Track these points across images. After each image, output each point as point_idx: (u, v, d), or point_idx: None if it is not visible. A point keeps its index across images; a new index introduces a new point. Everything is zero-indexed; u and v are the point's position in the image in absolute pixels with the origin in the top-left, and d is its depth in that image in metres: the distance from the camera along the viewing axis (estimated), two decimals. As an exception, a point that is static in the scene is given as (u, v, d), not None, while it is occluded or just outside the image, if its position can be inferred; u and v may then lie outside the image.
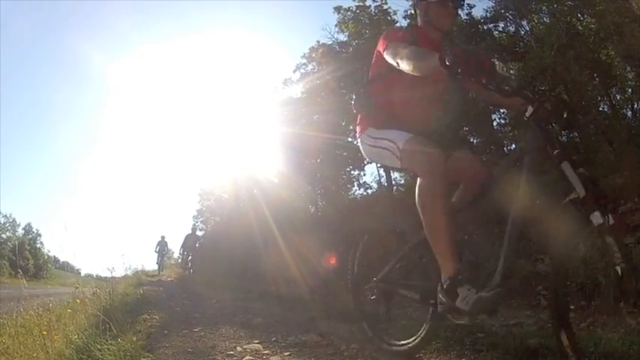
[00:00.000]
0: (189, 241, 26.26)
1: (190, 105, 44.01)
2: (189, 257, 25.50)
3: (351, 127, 18.26)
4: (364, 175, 19.31)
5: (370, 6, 18.25)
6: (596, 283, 5.93)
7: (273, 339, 5.01)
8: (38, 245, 73.62)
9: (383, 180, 19.07)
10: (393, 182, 19.23)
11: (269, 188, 18.59)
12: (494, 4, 15.34)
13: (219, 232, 26.50)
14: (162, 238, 30.49)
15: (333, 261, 10.02)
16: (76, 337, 4.54)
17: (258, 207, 16.59)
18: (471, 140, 15.47)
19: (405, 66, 3.30)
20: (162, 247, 30.50)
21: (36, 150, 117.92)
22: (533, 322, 5.44)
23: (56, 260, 74.10)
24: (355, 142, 18.35)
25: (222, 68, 48.62)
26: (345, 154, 18.40)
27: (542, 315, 5.59)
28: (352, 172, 19.25)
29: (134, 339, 4.50)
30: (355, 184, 19.50)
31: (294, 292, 9.91)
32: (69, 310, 6.01)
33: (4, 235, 66.91)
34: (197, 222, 37.96)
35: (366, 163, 18.84)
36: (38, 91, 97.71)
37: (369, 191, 19.19)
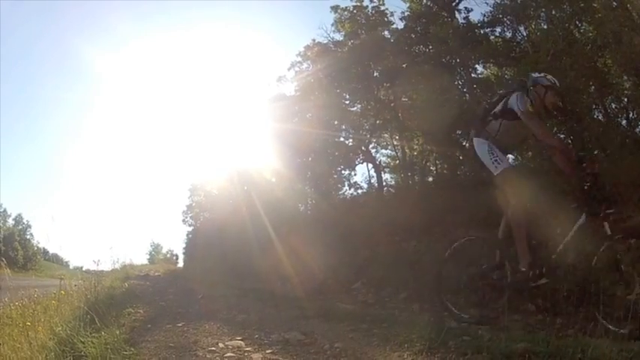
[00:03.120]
0: None
1: (182, 100, 43.71)
2: None
3: (344, 127, 18.30)
4: (355, 174, 19.23)
5: (367, 6, 18.25)
6: (583, 291, 5.96)
7: (256, 336, 5.01)
8: (28, 236, 73.70)
9: (374, 180, 19.06)
10: (384, 183, 19.25)
11: (261, 185, 18.60)
12: (492, 9, 15.33)
13: (209, 228, 26.47)
14: None
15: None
16: (59, 328, 4.53)
17: (250, 203, 16.59)
18: (464, 144, 15.50)
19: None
20: None
21: (28, 141, 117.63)
22: (521, 327, 5.45)
23: (45, 252, 74.02)
24: (347, 142, 18.40)
25: (216, 64, 48.45)
26: (336, 153, 18.36)
27: (529, 320, 5.61)
28: (343, 171, 19.16)
29: (117, 332, 4.50)
30: (346, 183, 19.40)
31: (285, 289, 9.94)
32: (54, 302, 6.01)
33: (-6, 225, 67.00)
34: (186, 217, 37.73)
35: (357, 163, 18.88)
36: (28, 84, 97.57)
37: (360, 191, 19.15)
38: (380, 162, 19.35)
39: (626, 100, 12.68)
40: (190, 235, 34.75)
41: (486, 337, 4.41)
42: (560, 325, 5.56)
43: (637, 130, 12.28)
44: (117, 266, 14.15)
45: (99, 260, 9.84)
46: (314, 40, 19.19)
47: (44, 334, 4.37)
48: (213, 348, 4.38)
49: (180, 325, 5.62)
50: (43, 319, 4.98)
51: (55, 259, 69.04)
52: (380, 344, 4.52)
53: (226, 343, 4.60)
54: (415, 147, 18.44)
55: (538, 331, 4.47)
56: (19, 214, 74.76)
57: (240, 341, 4.67)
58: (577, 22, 13.26)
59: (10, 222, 74.84)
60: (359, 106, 18.33)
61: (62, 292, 6.60)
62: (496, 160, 5.84)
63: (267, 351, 4.33)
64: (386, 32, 17.89)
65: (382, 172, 19.17)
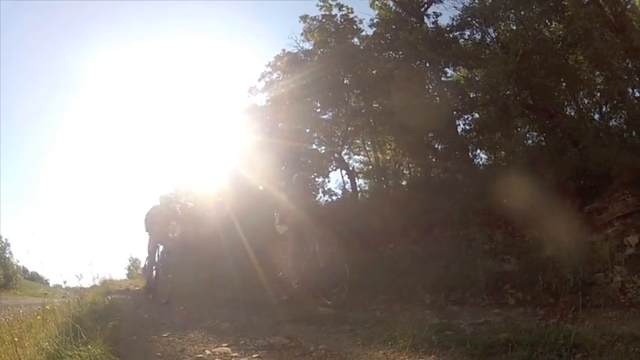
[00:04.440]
0: None
1: (156, 112, 43.37)
2: None
3: (316, 135, 18.35)
4: (329, 181, 19.15)
5: (336, 15, 18.21)
6: (563, 281, 6.09)
7: (242, 342, 5.07)
8: (7, 255, 72.38)
9: (348, 186, 19.07)
10: (358, 188, 19.28)
11: (234, 196, 18.51)
12: (461, 13, 15.38)
13: (185, 240, 26.37)
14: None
15: None
16: (47, 344, 4.55)
17: (225, 214, 16.56)
18: (436, 146, 15.62)
19: None
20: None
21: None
22: (502, 320, 5.55)
23: (25, 271, 72.81)
24: (319, 149, 18.44)
25: (188, 75, 48.07)
26: (309, 161, 18.36)
27: (510, 313, 5.71)
28: (317, 179, 19.15)
29: (104, 345, 4.53)
30: (320, 191, 19.39)
31: (261, 297, 9.97)
32: (39, 317, 6.01)
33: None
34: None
35: (330, 170, 18.85)
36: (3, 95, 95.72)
37: (334, 198, 19.12)
38: (353, 168, 19.35)
39: (598, 94, 12.92)
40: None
41: (469, 331, 4.52)
42: (541, 315, 5.69)
43: (610, 123, 12.52)
44: (97, 282, 14.12)
45: (81, 275, 9.81)
46: (284, 50, 19.16)
47: (32, 350, 4.39)
48: (200, 355, 4.44)
49: (165, 335, 5.65)
50: (28, 336, 4.99)
51: (35, 277, 68.06)
52: (364, 343, 4.62)
53: (213, 350, 4.66)
54: (388, 152, 18.53)
55: (520, 322, 4.56)
56: (-3, 233, 73.21)
57: (226, 348, 4.73)
58: (547, 21, 13.45)
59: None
60: (330, 113, 18.27)
61: (47, 307, 6.60)
62: None
63: (254, 355, 4.40)
64: (355, 40, 17.91)
65: (356, 178, 19.21)
